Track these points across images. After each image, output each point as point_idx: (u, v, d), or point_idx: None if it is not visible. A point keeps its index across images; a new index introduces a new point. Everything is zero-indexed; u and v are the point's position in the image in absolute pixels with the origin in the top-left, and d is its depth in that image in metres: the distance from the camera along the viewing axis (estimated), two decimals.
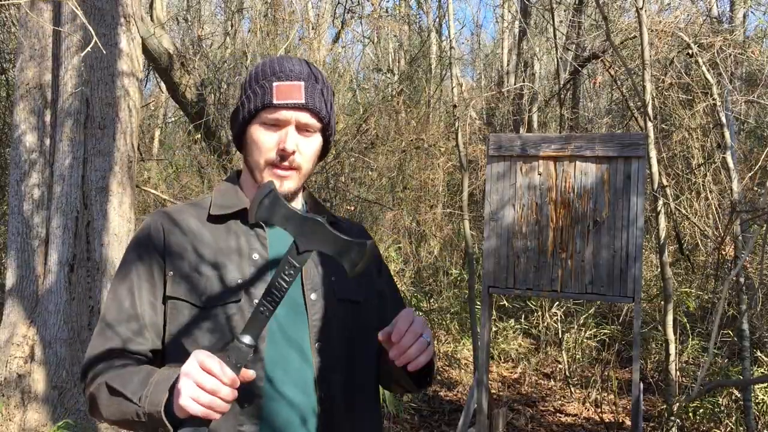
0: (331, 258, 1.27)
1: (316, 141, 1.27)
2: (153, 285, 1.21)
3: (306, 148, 1.25)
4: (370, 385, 1.31)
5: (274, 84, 1.22)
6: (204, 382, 0.99)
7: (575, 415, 5.14)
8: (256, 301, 1.18)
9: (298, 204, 1.34)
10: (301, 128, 1.24)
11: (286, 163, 1.23)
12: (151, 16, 6.45)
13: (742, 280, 4.71)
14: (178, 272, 1.20)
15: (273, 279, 1.06)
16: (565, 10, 10.36)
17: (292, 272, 1.06)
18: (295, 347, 1.21)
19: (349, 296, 1.28)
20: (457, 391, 5.52)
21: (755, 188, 6.71)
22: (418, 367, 1.12)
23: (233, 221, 1.27)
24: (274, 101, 1.21)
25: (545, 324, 6.46)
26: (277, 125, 1.23)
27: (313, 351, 1.21)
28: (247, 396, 1.14)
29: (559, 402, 5.39)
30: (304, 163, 1.25)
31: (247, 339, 1.05)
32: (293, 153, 1.22)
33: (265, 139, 1.23)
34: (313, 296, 1.24)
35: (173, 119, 11.13)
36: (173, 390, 1.04)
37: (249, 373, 1.06)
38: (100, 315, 1.24)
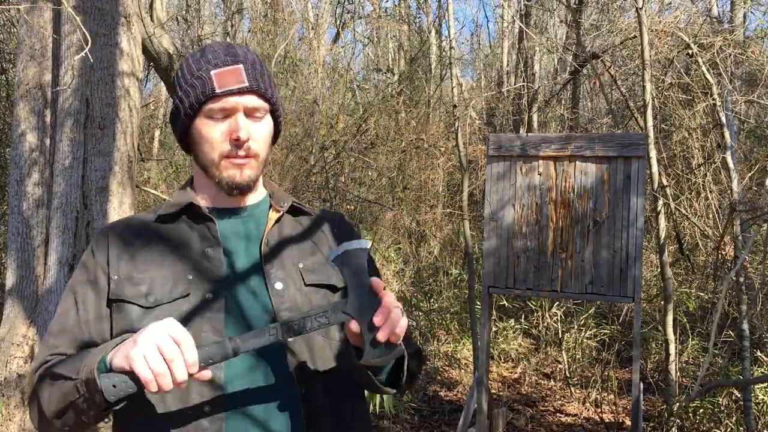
0: (299, 241, 1.25)
1: (267, 124, 1.21)
2: (98, 294, 1.15)
3: (259, 133, 1.18)
4: (357, 384, 1.21)
5: (212, 72, 1.14)
6: (165, 347, 0.93)
7: (575, 415, 5.14)
8: (209, 295, 1.13)
9: (260, 195, 1.28)
10: (250, 113, 1.17)
11: (242, 152, 1.16)
12: (151, 16, 6.45)
13: (742, 280, 4.71)
14: (123, 275, 1.15)
15: (306, 314, 1.03)
16: (565, 10, 10.36)
17: (327, 321, 1.03)
18: (264, 349, 1.09)
19: (322, 281, 1.21)
20: (457, 391, 5.52)
21: (755, 188, 6.71)
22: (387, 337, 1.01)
23: (183, 218, 1.22)
24: (217, 90, 1.14)
25: (545, 324, 6.46)
26: (225, 115, 1.16)
27: (287, 348, 1.13)
28: (207, 410, 1.06)
29: (559, 402, 5.39)
30: (261, 150, 1.19)
31: (235, 343, 0.99)
32: (247, 140, 1.15)
33: (214, 132, 1.16)
34: (278, 285, 1.17)
35: None
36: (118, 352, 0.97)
37: (205, 373, 0.98)
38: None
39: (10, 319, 3.83)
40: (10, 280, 3.94)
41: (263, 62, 1.22)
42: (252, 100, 1.16)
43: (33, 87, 4.05)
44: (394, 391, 1.20)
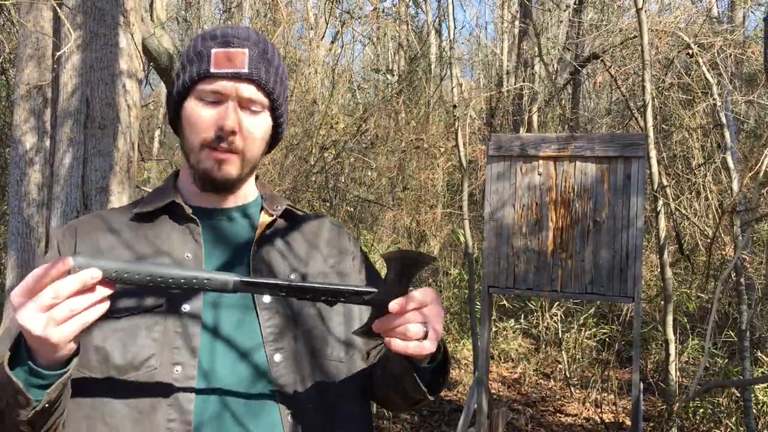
0: (292, 250, 1.12)
1: (262, 121, 1.06)
2: None
3: (250, 129, 1.04)
4: (353, 403, 1.08)
5: (213, 51, 1.02)
6: (29, 285, 0.77)
7: (575, 415, 5.14)
8: (185, 307, 0.99)
9: (251, 196, 1.15)
10: (245, 104, 1.03)
11: (224, 144, 1.02)
12: (151, 16, 6.44)
13: (742, 280, 4.71)
14: None
15: (323, 285, 0.90)
16: (564, 10, 10.36)
17: (344, 300, 0.90)
18: (247, 362, 1.00)
19: None
20: (457, 391, 5.52)
21: (753, 188, 6.72)
22: (418, 352, 0.88)
23: (162, 217, 1.08)
24: (212, 69, 1.01)
25: (545, 324, 6.46)
26: (217, 100, 1.02)
27: (270, 363, 1.00)
28: (176, 429, 0.94)
29: (559, 402, 5.39)
30: (248, 147, 1.04)
31: (234, 277, 0.85)
32: (233, 132, 1.01)
33: (201, 116, 1.02)
34: (266, 298, 1.03)
35: None
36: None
37: (87, 273, 0.78)
38: None
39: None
40: (10, 280, 3.94)
41: (278, 54, 1.08)
42: (249, 90, 1.03)
43: (33, 87, 4.05)
44: (431, 397, 1.03)
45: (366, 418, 1.12)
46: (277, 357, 1.01)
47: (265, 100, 1.05)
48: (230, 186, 1.07)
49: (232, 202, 1.12)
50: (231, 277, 0.86)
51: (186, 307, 0.99)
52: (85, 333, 0.84)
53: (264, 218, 1.12)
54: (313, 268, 1.12)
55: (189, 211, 1.07)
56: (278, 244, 1.11)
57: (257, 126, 1.05)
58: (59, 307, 0.77)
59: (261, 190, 1.18)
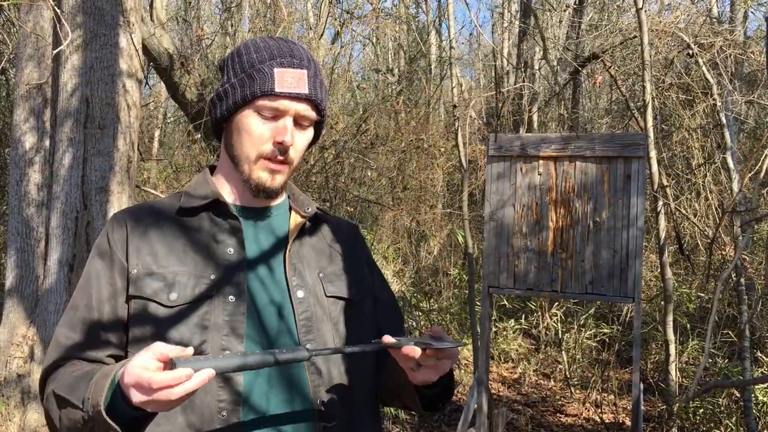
0: (320, 250, 1.24)
1: (308, 135, 1.18)
2: (114, 286, 1.11)
3: (300, 143, 1.16)
4: (369, 395, 1.22)
5: (276, 70, 1.10)
6: (145, 378, 0.87)
7: (575, 415, 5.14)
8: (231, 298, 1.10)
9: (282, 197, 1.26)
10: (299, 120, 1.14)
11: (281, 157, 1.13)
12: (151, 16, 6.44)
13: (742, 280, 4.71)
14: (142, 270, 1.10)
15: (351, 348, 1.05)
16: (564, 10, 10.37)
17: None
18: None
19: (341, 294, 1.20)
20: (457, 391, 5.52)
21: (753, 188, 6.71)
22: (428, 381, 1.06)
23: (205, 213, 1.17)
24: (276, 89, 1.10)
25: (545, 324, 6.46)
26: (274, 115, 1.12)
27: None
28: (226, 409, 1.06)
29: (560, 402, 5.39)
30: (296, 159, 1.16)
31: (304, 350, 0.99)
32: (290, 146, 1.13)
33: (260, 129, 1.12)
34: (300, 294, 1.15)
35: (173, 119, 11.13)
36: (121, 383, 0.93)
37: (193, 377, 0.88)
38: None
39: (10, 319, 3.83)
40: (10, 280, 3.94)
41: (322, 71, 1.19)
42: (305, 109, 1.13)
43: (33, 87, 4.05)
44: (423, 412, 1.21)
45: (376, 408, 1.25)
46: (309, 346, 1.12)
47: (316, 117, 1.16)
48: (279, 192, 1.19)
49: (268, 202, 1.22)
50: (302, 352, 0.99)
51: (232, 298, 1.10)
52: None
53: (296, 219, 1.23)
54: (336, 267, 1.23)
55: (233, 209, 1.17)
56: (308, 244, 1.22)
57: (305, 139, 1.17)
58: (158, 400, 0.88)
59: (288, 190, 1.28)
